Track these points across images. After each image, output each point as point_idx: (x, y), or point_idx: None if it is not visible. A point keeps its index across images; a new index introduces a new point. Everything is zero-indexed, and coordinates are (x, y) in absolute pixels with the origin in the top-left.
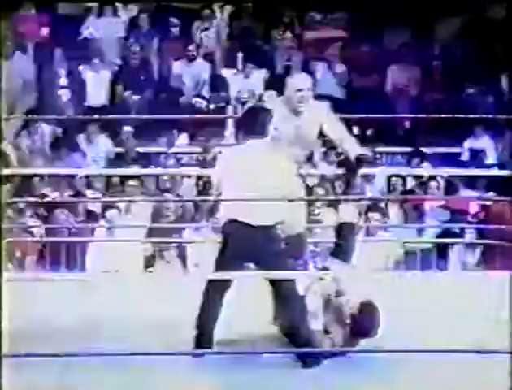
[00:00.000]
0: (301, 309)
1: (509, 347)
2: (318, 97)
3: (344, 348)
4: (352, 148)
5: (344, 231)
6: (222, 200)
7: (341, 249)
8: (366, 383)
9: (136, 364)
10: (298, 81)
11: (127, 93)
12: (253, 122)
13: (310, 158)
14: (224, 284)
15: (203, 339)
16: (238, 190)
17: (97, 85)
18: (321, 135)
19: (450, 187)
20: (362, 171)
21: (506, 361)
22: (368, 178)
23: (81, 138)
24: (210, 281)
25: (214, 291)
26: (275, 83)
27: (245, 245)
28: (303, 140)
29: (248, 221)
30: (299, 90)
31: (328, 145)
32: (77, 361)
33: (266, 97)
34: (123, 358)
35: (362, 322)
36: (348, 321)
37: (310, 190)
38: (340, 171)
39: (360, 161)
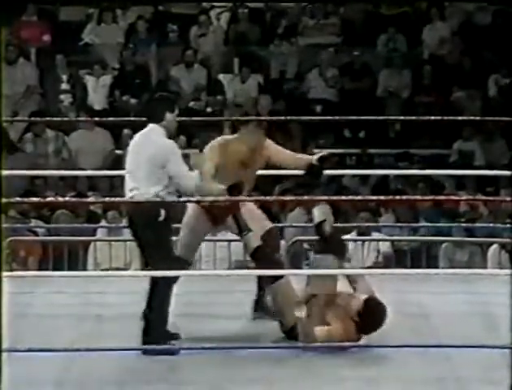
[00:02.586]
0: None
1: (509, 342)
2: (311, 100)
3: (342, 344)
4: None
5: (323, 230)
6: (222, 201)
7: (326, 247)
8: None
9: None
10: None
11: (126, 97)
12: (153, 110)
13: None
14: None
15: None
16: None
17: (97, 90)
18: None
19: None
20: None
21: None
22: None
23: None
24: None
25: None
26: (270, 88)
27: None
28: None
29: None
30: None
31: None
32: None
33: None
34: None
35: (366, 320)
36: (354, 318)
37: None
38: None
39: (324, 159)
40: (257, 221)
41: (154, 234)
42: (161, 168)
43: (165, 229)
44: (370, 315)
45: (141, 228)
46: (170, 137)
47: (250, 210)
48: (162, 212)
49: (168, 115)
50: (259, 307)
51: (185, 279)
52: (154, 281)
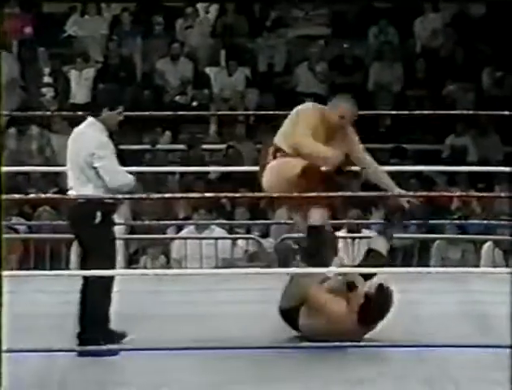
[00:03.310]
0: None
1: (502, 341)
2: (300, 94)
3: (336, 344)
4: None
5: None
6: (209, 197)
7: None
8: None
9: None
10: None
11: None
12: (93, 103)
13: None
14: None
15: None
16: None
17: (80, 83)
18: None
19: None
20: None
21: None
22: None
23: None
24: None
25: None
26: (258, 81)
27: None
28: None
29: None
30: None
31: None
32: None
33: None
34: None
35: (375, 303)
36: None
37: None
38: None
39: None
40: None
41: (91, 236)
42: (91, 166)
43: (102, 231)
44: (379, 299)
45: (79, 230)
46: (110, 133)
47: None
48: (98, 214)
49: (106, 111)
50: None
51: (168, 278)
52: (89, 281)
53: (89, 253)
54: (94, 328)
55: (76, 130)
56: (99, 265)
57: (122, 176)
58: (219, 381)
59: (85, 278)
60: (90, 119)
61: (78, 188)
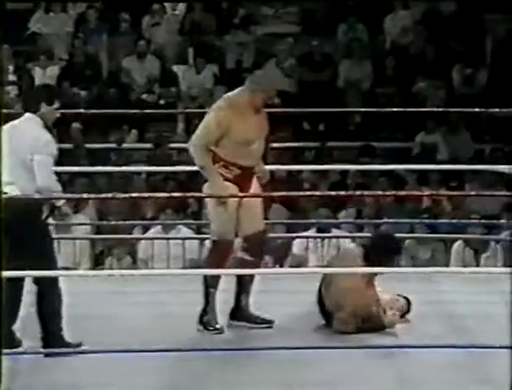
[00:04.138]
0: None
1: (508, 342)
2: None
3: (312, 345)
4: None
5: None
6: (176, 197)
7: None
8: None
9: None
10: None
11: (75, 89)
12: (29, 99)
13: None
14: None
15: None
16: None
17: (44, 81)
18: None
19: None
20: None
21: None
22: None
23: None
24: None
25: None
26: (226, 78)
27: None
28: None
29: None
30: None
31: None
32: None
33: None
34: None
35: None
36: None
37: None
38: None
39: None
40: (252, 215)
41: (37, 234)
42: (31, 160)
43: (47, 228)
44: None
45: (22, 228)
46: (48, 129)
47: (252, 204)
48: (45, 209)
49: (44, 106)
50: (239, 314)
51: (135, 278)
52: (40, 285)
53: (32, 252)
54: (56, 329)
55: (13, 125)
56: (45, 264)
57: (52, 180)
58: (183, 383)
59: (32, 279)
60: (28, 114)
61: (22, 183)
